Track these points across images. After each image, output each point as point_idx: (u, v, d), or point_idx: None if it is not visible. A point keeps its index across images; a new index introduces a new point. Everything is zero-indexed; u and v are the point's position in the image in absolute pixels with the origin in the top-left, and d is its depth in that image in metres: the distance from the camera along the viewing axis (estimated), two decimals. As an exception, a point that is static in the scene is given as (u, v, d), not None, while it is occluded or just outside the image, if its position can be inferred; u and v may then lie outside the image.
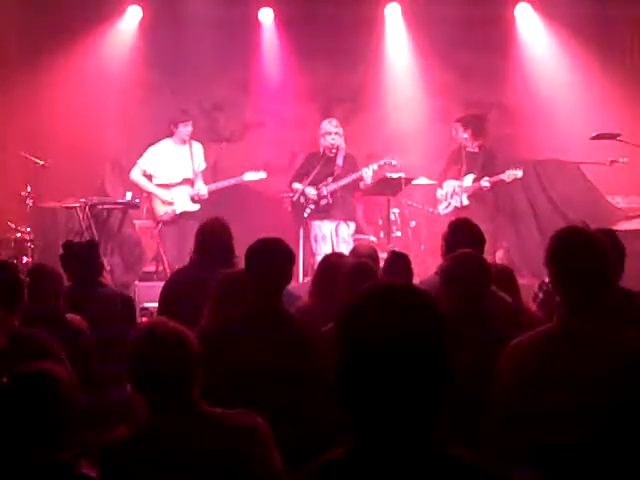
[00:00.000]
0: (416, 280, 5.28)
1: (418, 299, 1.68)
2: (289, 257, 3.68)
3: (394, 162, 8.49)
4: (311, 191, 8.48)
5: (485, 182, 8.57)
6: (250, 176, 8.87)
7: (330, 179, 8.50)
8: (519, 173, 8.46)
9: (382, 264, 5.08)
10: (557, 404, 2.62)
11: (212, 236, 4.97)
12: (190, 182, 8.91)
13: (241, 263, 3.83)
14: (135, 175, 8.88)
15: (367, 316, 1.65)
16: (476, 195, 8.70)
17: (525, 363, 2.71)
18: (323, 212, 8.53)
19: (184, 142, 8.86)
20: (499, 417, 2.74)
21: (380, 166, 8.52)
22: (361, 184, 8.53)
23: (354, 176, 8.42)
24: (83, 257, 5.01)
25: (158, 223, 8.88)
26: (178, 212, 8.79)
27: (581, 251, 2.77)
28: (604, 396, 2.58)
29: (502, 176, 8.48)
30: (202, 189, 8.84)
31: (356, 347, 1.64)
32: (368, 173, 8.41)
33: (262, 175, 8.87)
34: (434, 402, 1.65)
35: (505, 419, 2.71)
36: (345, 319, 1.68)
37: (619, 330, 2.73)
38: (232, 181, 8.86)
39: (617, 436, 2.57)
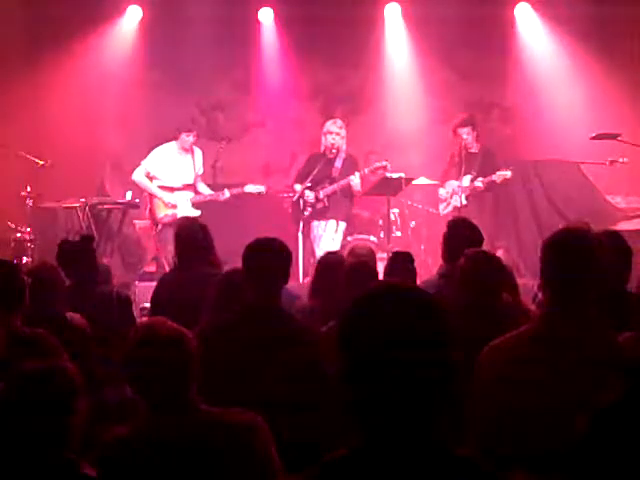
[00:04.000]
0: (417, 280, 5.28)
1: (421, 299, 1.68)
2: (287, 257, 3.68)
3: (388, 165, 8.46)
4: (310, 195, 8.48)
5: (479, 182, 8.59)
6: (250, 188, 8.83)
7: (327, 182, 8.49)
8: (508, 174, 8.48)
9: (383, 264, 5.08)
10: (533, 405, 2.62)
11: (187, 238, 5.04)
12: (191, 187, 8.89)
13: (237, 262, 3.83)
14: (138, 176, 8.84)
15: (370, 317, 1.64)
16: (473, 195, 8.70)
17: (502, 364, 2.71)
18: (319, 214, 8.54)
19: (186, 151, 8.83)
20: (478, 418, 2.74)
21: (372, 170, 8.50)
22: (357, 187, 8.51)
23: (344, 182, 8.40)
24: (77, 254, 5.01)
25: (157, 224, 8.87)
26: (179, 216, 8.76)
27: (567, 252, 2.76)
28: (580, 397, 2.58)
29: (493, 177, 8.51)
30: (223, 195, 8.79)
31: (359, 348, 1.64)
32: (355, 181, 8.39)
33: (262, 189, 8.85)
34: (439, 401, 1.65)
35: (483, 420, 2.71)
36: (348, 320, 1.68)
37: (601, 332, 2.73)
38: (233, 191, 8.81)
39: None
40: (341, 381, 1.66)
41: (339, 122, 8.66)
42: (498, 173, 8.47)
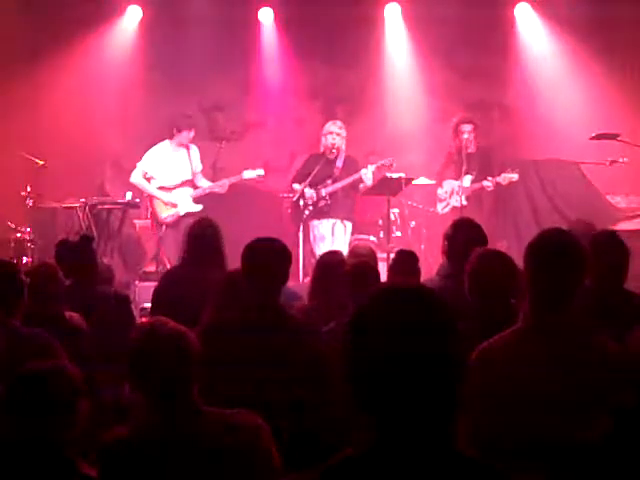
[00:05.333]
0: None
1: (433, 300, 1.69)
2: (285, 256, 3.68)
3: (394, 164, 8.49)
4: (310, 193, 8.47)
5: (488, 182, 8.56)
6: (249, 174, 8.87)
7: (329, 181, 8.50)
8: (514, 176, 8.46)
9: (383, 264, 5.08)
10: (523, 405, 2.62)
11: (200, 237, 5.01)
12: (190, 183, 8.90)
13: (237, 262, 3.83)
14: (136, 178, 8.86)
15: (382, 317, 1.65)
16: (474, 196, 8.69)
17: (491, 366, 2.72)
18: (321, 213, 8.53)
19: (181, 147, 8.85)
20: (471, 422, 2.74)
21: (379, 167, 8.51)
22: (361, 186, 8.53)
23: (354, 177, 8.42)
24: (77, 253, 5.01)
25: (161, 226, 8.87)
26: (182, 214, 8.79)
27: (547, 253, 2.77)
28: (566, 395, 2.58)
29: (498, 179, 8.50)
30: (223, 186, 8.83)
31: (371, 348, 1.64)
32: (367, 175, 8.41)
33: (260, 172, 8.86)
34: (451, 402, 1.66)
35: (472, 425, 2.70)
36: (359, 320, 1.69)
37: (582, 331, 2.73)
38: (232, 179, 8.84)
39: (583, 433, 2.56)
40: (352, 380, 1.66)
41: (339, 123, 8.68)
42: (504, 175, 8.43)
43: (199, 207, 8.77)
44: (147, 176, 8.84)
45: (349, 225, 8.62)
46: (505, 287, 3.68)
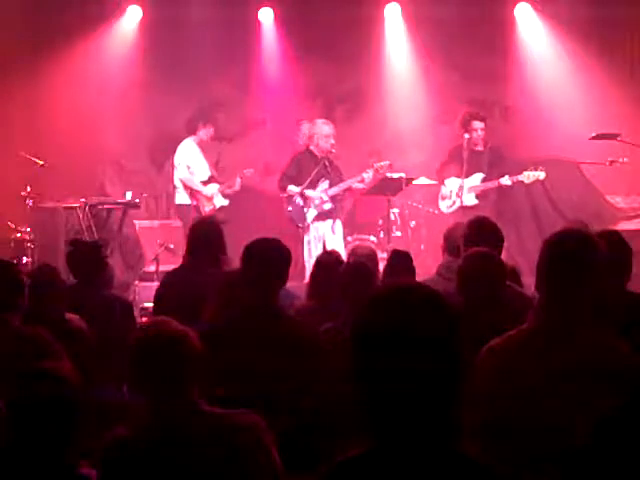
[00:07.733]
0: (417, 280, 5.26)
1: (436, 300, 1.69)
2: (285, 257, 3.68)
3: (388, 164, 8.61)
4: (315, 195, 8.48)
5: (507, 180, 8.35)
6: (246, 172, 9.24)
7: (327, 182, 8.52)
8: (541, 175, 8.23)
9: (384, 264, 5.08)
10: (531, 407, 2.62)
11: (200, 237, 5.00)
12: (213, 179, 9.23)
13: (236, 263, 3.83)
14: (183, 174, 9.11)
15: (385, 316, 1.65)
16: (484, 194, 8.59)
17: (497, 366, 2.71)
18: (325, 214, 8.56)
19: (203, 144, 9.16)
20: (473, 422, 2.74)
21: (376, 170, 8.55)
22: (360, 185, 8.57)
23: (356, 179, 8.49)
24: (89, 257, 5.00)
25: None
26: (217, 207, 9.13)
27: (566, 252, 2.74)
28: (577, 398, 2.57)
29: (520, 177, 8.28)
30: (237, 180, 9.23)
31: (375, 347, 1.64)
32: (369, 176, 8.49)
33: (251, 170, 9.29)
34: (452, 400, 1.66)
35: (479, 423, 2.70)
36: (363, 320, 1.69)
37: (598, 331, 2.72)
38: (247, 173, 9.20)
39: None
40: (355, 380, 1.67)
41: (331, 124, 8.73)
42: (528, 173, 8.23)
43: (226, 201, 9.16)
44: (190, 170, 9.07)
45: (340, 223, 8.72)
46: (488, 287, 3.70)
